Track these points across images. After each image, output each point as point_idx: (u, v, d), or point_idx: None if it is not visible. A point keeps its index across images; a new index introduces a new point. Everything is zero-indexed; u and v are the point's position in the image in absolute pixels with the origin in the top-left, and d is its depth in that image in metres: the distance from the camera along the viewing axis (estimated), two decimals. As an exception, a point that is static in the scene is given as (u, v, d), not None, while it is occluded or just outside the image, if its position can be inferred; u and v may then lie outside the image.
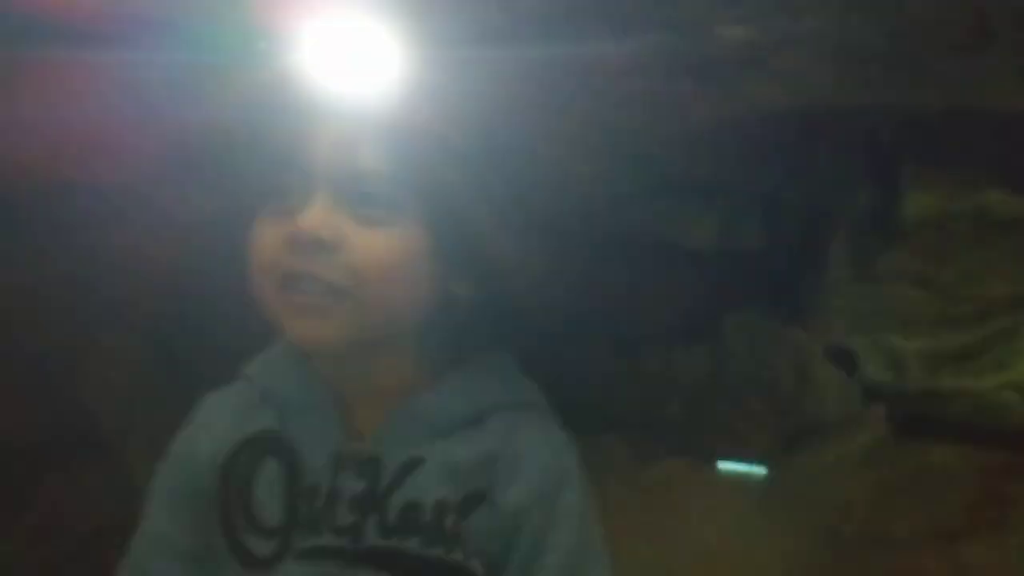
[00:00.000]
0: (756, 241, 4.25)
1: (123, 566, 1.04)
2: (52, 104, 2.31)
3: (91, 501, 3.25)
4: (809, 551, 2.40)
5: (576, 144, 2.85)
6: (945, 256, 3.32)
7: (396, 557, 0.91)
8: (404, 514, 0.92)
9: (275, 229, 0.93)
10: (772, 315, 4.26)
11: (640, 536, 2.30)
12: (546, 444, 1.00)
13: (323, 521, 0.94)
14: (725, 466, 2.68)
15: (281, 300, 0.92)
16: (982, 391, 3.90)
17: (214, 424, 1.04)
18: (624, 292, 4.74)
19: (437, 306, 0.99)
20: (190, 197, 2.77)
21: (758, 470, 2.64)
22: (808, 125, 3.25)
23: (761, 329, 4.27)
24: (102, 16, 2.06)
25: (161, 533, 1.03)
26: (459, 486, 0.95)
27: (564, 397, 1.10)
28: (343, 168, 0.90)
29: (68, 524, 3.17)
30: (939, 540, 2.44)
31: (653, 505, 2.47)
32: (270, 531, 0.95)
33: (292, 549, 0.95)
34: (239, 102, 2.32)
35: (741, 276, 4.58)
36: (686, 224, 4.24)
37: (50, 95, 2.25)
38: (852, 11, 2.20)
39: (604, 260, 4.42)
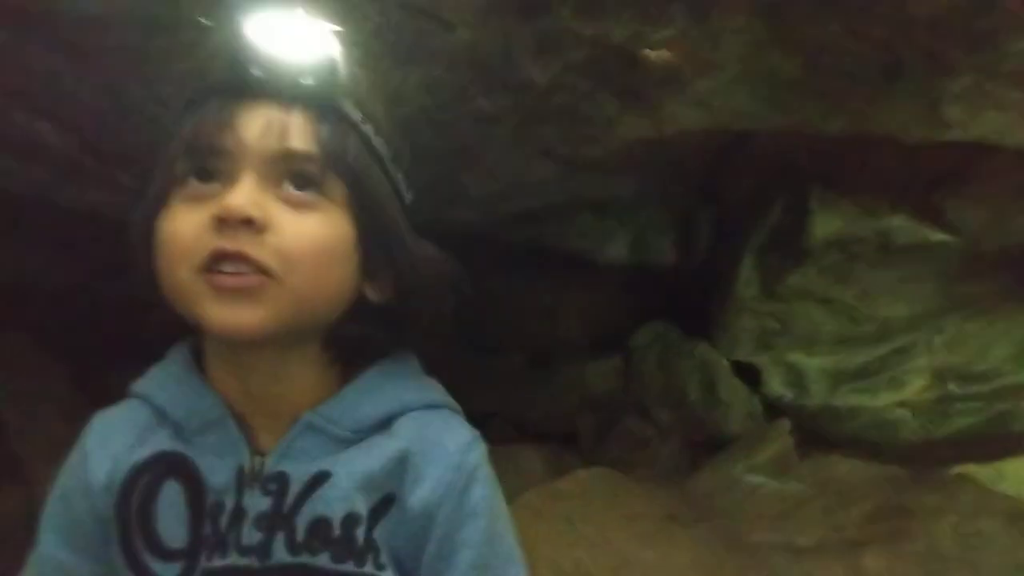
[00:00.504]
0: (668, 258, 4.36)
1: None
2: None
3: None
4: (718, 557, 2.47)
5: (500, 157, 2.87)
6: (848, 277, 3.44)
7: (305, 574, 0.86)
8: (312, 530, 0.87)
9: (195, 211, 0.85)
10: (681, 330, 4.36)
11: (557, 542, 2.33)
12: (453, 441, 0.92)
13: (229, 541, 0.87)
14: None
15: (203, 284, 0.83)
16: (877, 409, 4.06)
17: (108, 445, 0.94)
18: (538, 305, 4.79)
19: (350, 308, 0.95)
20: (96, 187, 2.71)
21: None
22: (723, 147, 3.35)
23: (670, 344, 4.36)
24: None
25: (56, 561, 0.93)
26: (369, 496, 0.88)
27: (477, 408, 1.08)
28: (273, 148, 0.85)
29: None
30: (841, 548, 2.53)
31: (570, 512, 2.50)
32: (174, 553, 0.88)
33: (197, 571, 0.88)
34: (166, 81, 2.29)
35: (652, 292, 4.68)
36: (600, 239, 4.31)
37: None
38: (772, 41, 2.30)
39: (518, 273, 4.46)
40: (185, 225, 0.85)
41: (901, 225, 3.19)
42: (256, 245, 0.83)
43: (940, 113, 2.40)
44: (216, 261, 0.83)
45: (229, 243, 0.83)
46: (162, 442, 0.92)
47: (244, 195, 0.83)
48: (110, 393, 1.01)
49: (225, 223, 0.82)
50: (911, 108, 2.43)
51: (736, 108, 2.56)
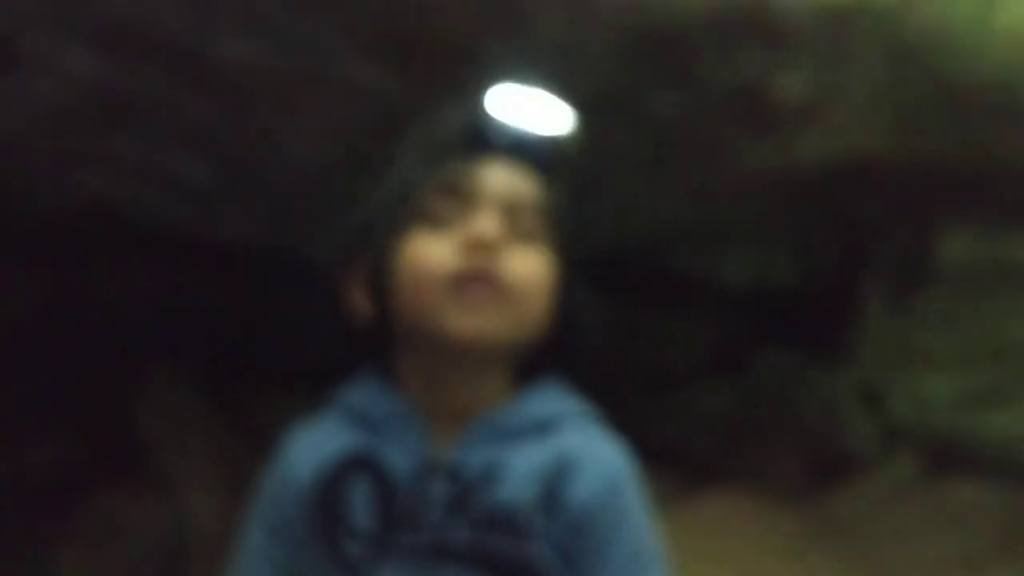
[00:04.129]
0: (790, 281, 4.38)
1: None
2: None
3: (138, 524, 3.18)
4: (849, 573, 2.51)
5: (630, 188, 3.00)
6: (972, 300, 3.45)
7: (481, 550, 0.96)
8: (489, 512, 0.96)
9: (440, 237, 0.99)
10: (803, 353, 4.39)
11: (698, 560, 2.37)
12: (609, 448, 1.01)
13: (415, 522, 0.98)
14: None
15: (452, 297, 0.96)
16: (1001, 429, 4.00)
17: (309, 448, 1.07)
18: (657, 327, 4.84)
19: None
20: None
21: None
22: (850, 173, 3.42)
23: (791, 366, 4.38)
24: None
25: (264, 550, 1.05)
26: (536, 485, 0.97)
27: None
28: (516, 197, 1.01)
29: (113, 545, 3.05)
30: (968, 567, 2.56)
31: (708, 531, 2.56)
32: (366, 534, 0.99)
33: (387, 549, 0.98)
34: (314, 124, 2.42)
35: (774, 314, 4.69)
36: (722, 263, 4.36)
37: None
38: (900, 78, 2.40)
39: (641, 295, 4.53)
40: (434, 247, 0.99)
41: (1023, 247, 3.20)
42: (502, 268, 0.97)
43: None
44: (469, 275, 0.96)
45: (482, 263, 0.96)
46: (356, 440, 1.04)
47: (494, 225, 0.98)
48: (256, 422, 1.13)
49: (480, 247, 0.97)
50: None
51: (864, 139, 2.66)
